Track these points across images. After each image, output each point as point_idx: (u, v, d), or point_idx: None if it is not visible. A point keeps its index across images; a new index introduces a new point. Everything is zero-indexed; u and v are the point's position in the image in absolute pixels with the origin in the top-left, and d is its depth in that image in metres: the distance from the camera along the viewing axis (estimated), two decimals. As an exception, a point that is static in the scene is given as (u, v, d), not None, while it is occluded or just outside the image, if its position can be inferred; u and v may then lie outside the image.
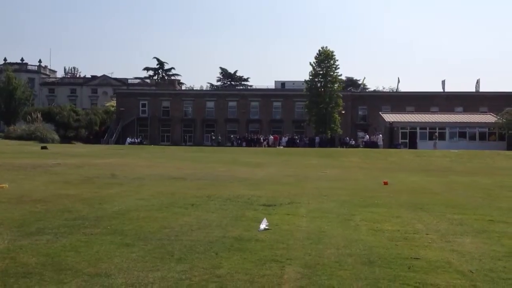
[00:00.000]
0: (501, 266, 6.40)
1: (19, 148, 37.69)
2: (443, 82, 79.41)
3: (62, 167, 21.79)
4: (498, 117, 57.09)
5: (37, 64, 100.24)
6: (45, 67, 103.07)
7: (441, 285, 5.65)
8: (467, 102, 71.29)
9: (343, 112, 65.66)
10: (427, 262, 6.55)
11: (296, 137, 64.71)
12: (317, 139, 60.96)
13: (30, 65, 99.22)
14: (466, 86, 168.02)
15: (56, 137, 59.81)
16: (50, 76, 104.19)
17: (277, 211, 10.43)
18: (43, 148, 38.46)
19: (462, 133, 57.61)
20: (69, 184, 15.23)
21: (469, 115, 62.47)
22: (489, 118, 59.59)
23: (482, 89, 78.56)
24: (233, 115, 77.47)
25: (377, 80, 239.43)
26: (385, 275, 5.94)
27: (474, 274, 6.06)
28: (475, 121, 59.07)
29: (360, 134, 69.96)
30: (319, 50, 64.62)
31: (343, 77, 75.43)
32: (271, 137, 64.55)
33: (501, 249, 7.34)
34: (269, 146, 60.68)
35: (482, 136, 56.96)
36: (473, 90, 78.31)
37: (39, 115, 61.42)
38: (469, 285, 5.66)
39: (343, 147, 56.78)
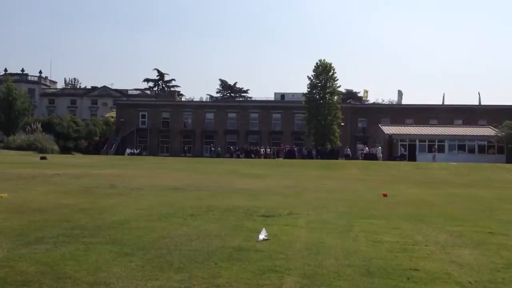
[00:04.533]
0: (500, 278, 6.41)
1: (18, 158, 37.70)
2: (444, 95, 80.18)
3: (61, 177, 21.79)
4: (497, 130, 57.20)
5: (38, 75, 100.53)
6: (46, 78, 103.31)
7: (440, 296, 5.65)
8: (466, 115, 71.49)
9: (343, 124, 65.75)
10: (426, 273, 6.55)
11: (295, 148, 64.77)
12: (314, 151, 61.05)
13: (30, 76, 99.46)
14: (466, 99, 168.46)
15: (56, 147, 59.82)
16: (50, 87, 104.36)
17: (276, 222, 10.42)
18: (42, 158, 38.45)
19: (461, 146, 57.67)
20: (68, 194, 15.23)
21: (468, 128, 62.60)
22: (488, 131, 59.70)
23: (482, 102, 78.88)
24: (232, 126, 77.56)
25: (376, 93, 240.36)
26: (384, 286, 5.94)
27: (473, 285, 6.06)
28: (474, 134, 59.17)
29: (360, 146, 70.04)
30: (317, 63, 64.80)
31: (342, 89, 75.63)
32: (268, 149, 65.20)
33: (500, 260, 7.34)
34: (266, 157, 60.83)
35: (481, 149, 57.02)
36: (472, 103, 78.54)
37: (38, 126, 61.53)
38: (468, 296, 5.66)
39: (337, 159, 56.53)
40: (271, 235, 8.73)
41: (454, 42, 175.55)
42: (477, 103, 78.12)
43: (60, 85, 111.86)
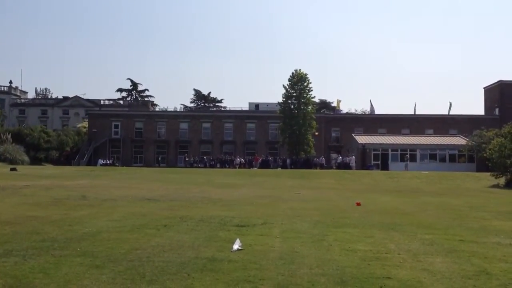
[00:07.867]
0: (471, 285, 6.49)
1: (-13, 170, 36.89)
2: (415, 105, 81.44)
3: (31, 188, 21.38)
4: (468, 139, 58.29)
5: (8, 85, 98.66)
6: (16, 88, 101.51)
7: (412, 303, 5.68)
8: (437, 125, 72.65)
9: (317, 133, 66.17)
10: (398, 281, 6.60)
11: (270, 158, 64.89)
12: (288, 160, 61.32)
13: (0, 85, 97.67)
14: (437, 109, 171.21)
15: (26, 158, 58.77)
16: (21, 97, 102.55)
17: (250, 232, 10.39)
18: (12, 169, 37.72)
19: (433, 155, 58.60)
20: (38, 206, 14.95)
21: (439, 137, 63.60)
22: (459, 140, 60.78)
23: (452, 112, 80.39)
24: (207, 136, 77.34)
25: (350, 103, 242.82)
26: (357, 295, 5.95)
27: (445, 292, 6.12)
28: (445, 143, 60.18)
29: (334, 155, 70.55)
30: (293, 73, 65.18)
31: (316, 99, 76.12)
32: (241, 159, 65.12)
33: (471, 268, 7.44)
34: (241, 166, 60.82)
35: (452, 158, 58.03)
36: (444, 113, 79.96)
37: (8, 136, 60.35)
38: (440, 303, 5.71)
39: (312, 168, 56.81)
40: (245, 245, 8.70)
41: (425, 51, 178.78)
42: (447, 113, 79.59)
43: (31, 95, 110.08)
